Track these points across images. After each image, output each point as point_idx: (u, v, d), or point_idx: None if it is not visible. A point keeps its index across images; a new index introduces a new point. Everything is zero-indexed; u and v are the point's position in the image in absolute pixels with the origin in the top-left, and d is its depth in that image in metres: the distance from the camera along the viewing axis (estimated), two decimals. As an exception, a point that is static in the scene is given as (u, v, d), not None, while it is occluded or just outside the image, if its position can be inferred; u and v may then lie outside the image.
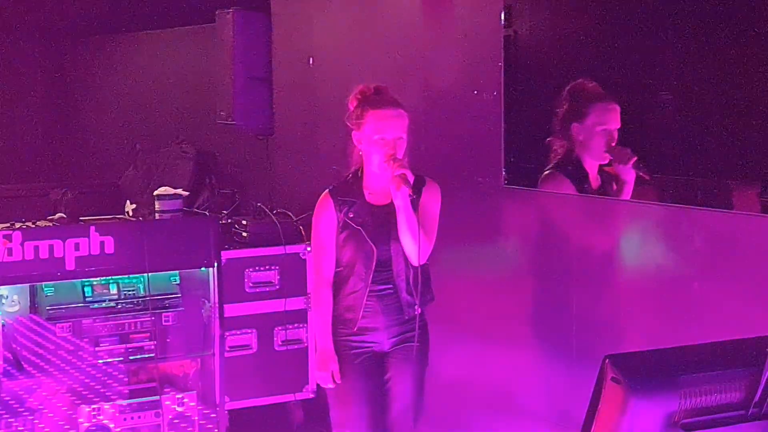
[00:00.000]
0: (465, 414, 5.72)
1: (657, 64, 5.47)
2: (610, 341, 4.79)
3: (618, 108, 5.05)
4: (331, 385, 4.84)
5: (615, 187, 5.00)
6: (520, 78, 5.49)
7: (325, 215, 4.85)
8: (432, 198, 4.84)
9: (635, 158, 4.92)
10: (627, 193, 4.95)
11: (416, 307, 4.78)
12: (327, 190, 4.89)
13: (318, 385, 4.83)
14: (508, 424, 5.46)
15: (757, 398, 2.61)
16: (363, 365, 4.83)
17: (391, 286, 4.80)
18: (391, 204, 4.75)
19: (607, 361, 2.52)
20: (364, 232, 4.76)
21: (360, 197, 4.82)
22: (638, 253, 4.69)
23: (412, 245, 4.67)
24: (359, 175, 4.86)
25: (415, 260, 4.70)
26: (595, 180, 5.11)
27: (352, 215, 4.79)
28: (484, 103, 5.44)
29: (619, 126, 5.04)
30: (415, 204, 4.70)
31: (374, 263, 4.75)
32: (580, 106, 5.09)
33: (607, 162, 5.06)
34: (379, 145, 4.71)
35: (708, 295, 4.35)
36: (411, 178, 4.61)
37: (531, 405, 5.31)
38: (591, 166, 5.10)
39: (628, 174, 4.94)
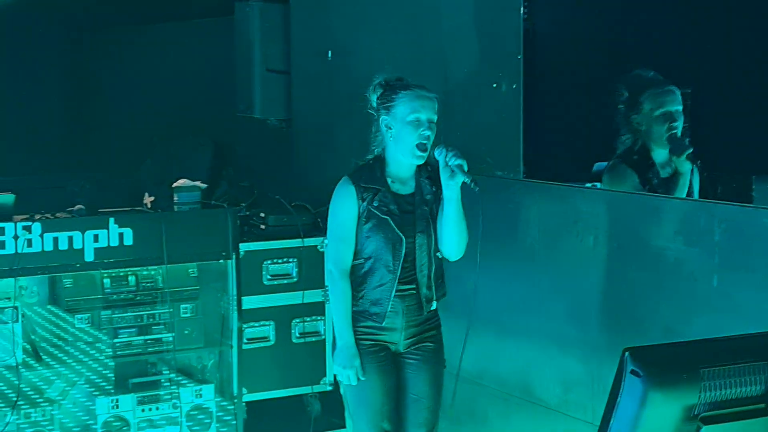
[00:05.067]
0: (482, 406, 5.72)
1: (677, 57, 5.46)
2: (629, 334, 4.78)
3: (675, 90, 4.95)
4: (354, 382, 4.63)
5: (673, 177, 4.95)
6: (539, 71, 5.48)
7: (346, 203, 4.61)
8: None
9: (690, 149, 4.85)
10: (683, 185, 4.88)
11: (434, 302, 4.68)
12: (347, 176, 4.65)
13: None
14: (526, 417, 5.46)
15: (777, 392, 2.61)
16: (381, 360, 4.68)
17: (414, 286, 4.63)
18: (415, 194, 4.62)
19: (626, 353, 2.51)
20: (392, 222, 4.56)
21: (383, 185, 4.60)
22: (657, 247, 4.68)
23: (461, 240, 4.53)
24: (382, 162, 4.65)
25: (456, 255, 4.58)
26: (663, 170, 4.99)
27: (376, 204, 4.57)
28: (503, 96, 5.43)
29: (680, 108, 4.93)
30: (437, 197, 4.59)
31: (403, 254, 4.56)
32: (635, 96, 5.00)
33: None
34: (414, 126, 4.49)
35: (727, 288, 4.33)
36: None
37: (549, 397, 5.31)
38: (659, 155, 4.99)
39: (684, 165, 4.88)
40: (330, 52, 6.87)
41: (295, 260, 6.47)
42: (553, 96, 5.66)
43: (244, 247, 6.28)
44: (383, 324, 4.63)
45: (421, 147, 4.51)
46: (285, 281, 6.47)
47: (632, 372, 2.49)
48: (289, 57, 7.30)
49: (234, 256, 6.12)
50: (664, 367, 2.52)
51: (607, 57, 5.64)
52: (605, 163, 5.24)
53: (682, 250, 4.53)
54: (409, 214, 4.61)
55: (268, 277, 6.44)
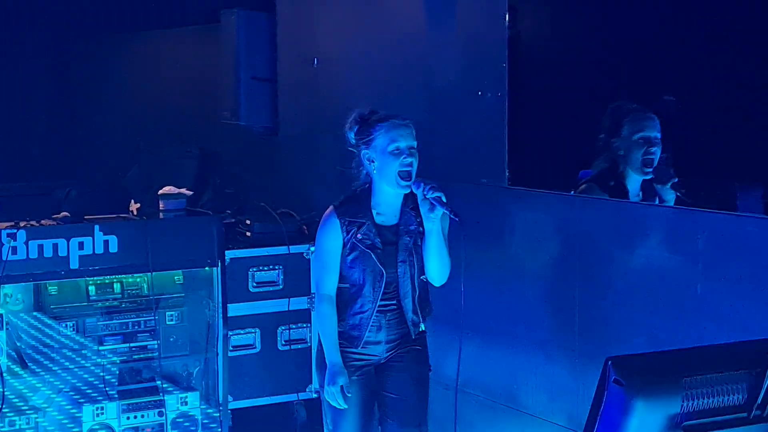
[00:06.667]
0: (468, 414, 5.72)
1: (660, 65, 5.48)
2: (613, 342, 4.79)
3: (655, 117, 4.98)
4: (341, 402, 4.67)
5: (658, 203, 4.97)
6: (524, 79, 5.49)
7: (331, 235, 4.72)
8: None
9: (675, 179, 4.88)
10: None
11: (421, 324, 4.80)
12: (332, 207, 4.76)
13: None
14: (511, 425, 5.47)
15: (759, 401, 2.62)
16: (361, 377, 4.78)
17: (395, 302, 4.73)
18: (399, 225, 4.72)
19: (609, 363, 2.52)
20: (374, 256, 4.66)
21: (368, 218, 4.70)
22: (641, 255, 4.70)
23: (443, 269, 4.69)
24: (367, 193, 4.74)
25: (440, 282, 4.73)
26: (635, 197, 5.02)
27: (360, 237, 4.67)
28: (488, 104, 5.45)
29: (658, 135, 4.96)
30: (421, 227, 4.66)
31: (383, 285, 4.69)
32: (617, 121, 5.03)
33: (649, 177, 4.98)
34: (395, 156, 4.58)
35: (711, 297, 4.35)
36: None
37: (534, 406, 5.32)
38: (633, 182, 5.02)
39: (668, 194, 4.91)
40: (315, 59, 6.88)
41: (281, 267, 6.48)
42: (538, 104, 5.68)
43: (229, 254, 6.28)
44: (359, 349, 4.75)
45: (403, 175, 4.61)
46: (271, 288, 6.47)
47: (615, 381, 2.50)
48: (274, 64, 7.31)
49: (219, 264, 6.12)
50: (646, 376, 2.53)
51: (591, 64, 5.65)
52: (591, 171, 5.26)
53: (666, 258, 4.55)
54: (392, 245, 4.73)
55: (254, 284, 6.44)
